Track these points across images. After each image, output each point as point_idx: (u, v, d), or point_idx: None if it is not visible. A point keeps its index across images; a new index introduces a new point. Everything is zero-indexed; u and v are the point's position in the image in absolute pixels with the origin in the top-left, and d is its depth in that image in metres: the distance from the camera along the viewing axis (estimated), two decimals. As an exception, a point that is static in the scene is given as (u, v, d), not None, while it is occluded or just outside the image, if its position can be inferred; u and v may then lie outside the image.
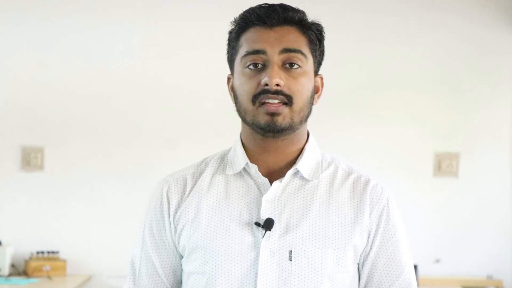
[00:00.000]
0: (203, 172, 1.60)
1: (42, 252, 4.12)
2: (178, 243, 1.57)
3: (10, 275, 4.04)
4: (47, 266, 4.04)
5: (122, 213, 4.22)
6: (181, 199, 1.58)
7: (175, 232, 1.57)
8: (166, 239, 1.59)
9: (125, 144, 4.26)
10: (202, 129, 4.28)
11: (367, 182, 1.58)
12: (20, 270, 4.13)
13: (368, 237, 1.55)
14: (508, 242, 4.33)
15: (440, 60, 4.36)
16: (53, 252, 4.13)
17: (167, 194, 1.59)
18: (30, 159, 4.22)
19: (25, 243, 4.17)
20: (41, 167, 4.23)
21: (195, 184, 1.59)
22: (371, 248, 1.55)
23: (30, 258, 4.11)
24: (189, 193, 1.58)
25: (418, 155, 4.34)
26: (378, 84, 4.35)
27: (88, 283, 4.15)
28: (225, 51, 1.60)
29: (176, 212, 1.57)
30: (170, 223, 1.58)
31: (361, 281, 1.58)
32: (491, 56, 4.36)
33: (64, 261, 4.14)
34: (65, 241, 4.20)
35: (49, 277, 4.01)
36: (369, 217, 1.55)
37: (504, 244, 4.32)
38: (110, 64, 4.27)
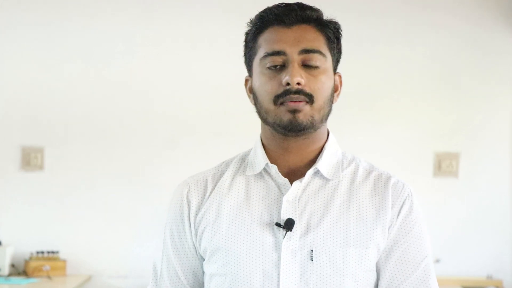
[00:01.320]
0: (223, 174, 1.60)
1: (42, 252, 4.11)
2: (199, 245, 1.56)
3: (10, 275, 4.03)
4: (47, 266, 4.04)
5: (122, 213, 4.22)
6: (202, 201, 1.57)
7: (196, 234, 1.56)
8: (186, 242, 1.58)
9: (125, 144, 4.25)
10: (202, 129, 4.28)
11: (388, 179, 1.56)
12: (20, 270, 4.12)
13: (389, 232, 1.52)
14: (508, 242, 4.32)
15: (440, 60, 4.35)
16: (53, 252, 4.12)
17: (187, 197, 1.58)
18: (30, 159, 4.21)
19: (25, 243, 4.16)
20: (41, 167, 4.22)
21: (215, 186, 1.58)
22: (387, 241, 1.51)
23: (30, 258, 4.10)
24: (209, 195, 1.57)
25: (418, 155, 4.34)
26: (378, 84, 4.35)
27: (88, 283, 4.15)
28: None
29: (196, 215, 1.56)
30: (190, 226, 1.57)
31: (377, 276, 1.53)
32: (491, 56, 4.36)
33: (64, 261, 4.13)
34: (65, 241, 4.20)
35: (49, 277, 4.00)
36: (391, 212, 1.52)
37: (504, 244, 4.32)
38: (110, 64, 4.26)
